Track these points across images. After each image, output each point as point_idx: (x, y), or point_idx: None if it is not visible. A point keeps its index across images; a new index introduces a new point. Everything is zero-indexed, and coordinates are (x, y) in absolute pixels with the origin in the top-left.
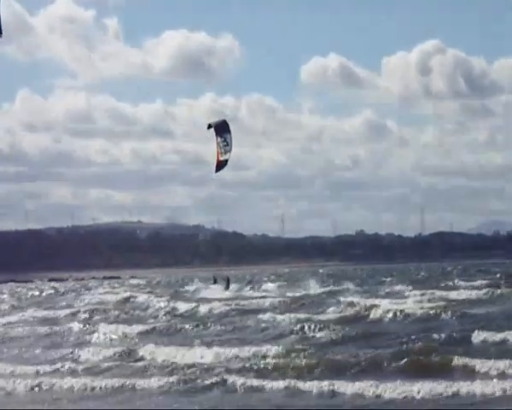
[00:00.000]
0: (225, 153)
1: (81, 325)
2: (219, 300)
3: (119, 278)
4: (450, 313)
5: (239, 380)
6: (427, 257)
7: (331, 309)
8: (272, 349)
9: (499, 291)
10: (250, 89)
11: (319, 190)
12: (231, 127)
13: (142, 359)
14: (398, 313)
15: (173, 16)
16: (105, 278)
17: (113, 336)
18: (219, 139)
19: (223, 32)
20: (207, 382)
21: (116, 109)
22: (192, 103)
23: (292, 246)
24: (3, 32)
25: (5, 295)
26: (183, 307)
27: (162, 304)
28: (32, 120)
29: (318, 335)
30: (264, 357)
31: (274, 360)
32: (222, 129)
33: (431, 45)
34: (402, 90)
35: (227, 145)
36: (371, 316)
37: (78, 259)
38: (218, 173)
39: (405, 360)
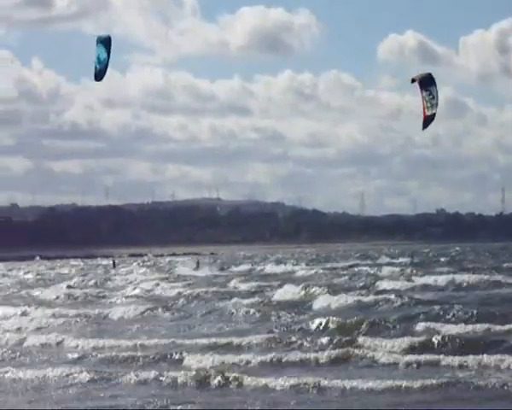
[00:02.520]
0: (431, 107)
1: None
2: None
3: (198, 254)
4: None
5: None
6: (509, 236)
7: (282, 290)
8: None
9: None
10: (328, 65)
11: (398, 167)
12: (309, 104)
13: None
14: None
15: None
16: (185, 254)
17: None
18: (425, 93)
19: (300, 8)
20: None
21: (193, 86)
22: (270, 80)
23: (372, 224)
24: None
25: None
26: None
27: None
28: (110, 96)
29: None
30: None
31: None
32: (427, 82)
33: (509, 23)
34: (480, 68)
35: (433, 99)
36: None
37: (158, 235)
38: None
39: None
